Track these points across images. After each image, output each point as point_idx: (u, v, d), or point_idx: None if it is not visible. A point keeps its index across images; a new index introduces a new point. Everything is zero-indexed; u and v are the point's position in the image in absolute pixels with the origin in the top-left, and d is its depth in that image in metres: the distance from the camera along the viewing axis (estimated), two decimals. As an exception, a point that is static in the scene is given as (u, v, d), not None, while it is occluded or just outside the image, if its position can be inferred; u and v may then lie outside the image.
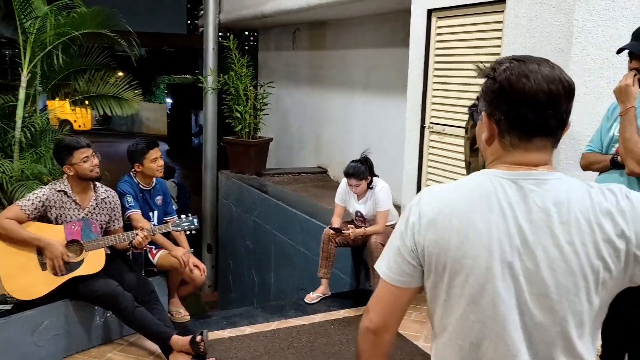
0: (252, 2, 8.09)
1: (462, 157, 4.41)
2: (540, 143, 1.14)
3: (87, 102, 6.49)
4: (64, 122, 20.49)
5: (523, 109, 1.12)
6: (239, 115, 7.32)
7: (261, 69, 10.11)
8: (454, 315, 1.16)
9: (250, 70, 7.52)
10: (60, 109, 6.71)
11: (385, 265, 1.23)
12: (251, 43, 22.40)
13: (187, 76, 26.72)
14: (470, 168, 3.59)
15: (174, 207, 8.72)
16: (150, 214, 3.97)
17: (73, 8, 5.80)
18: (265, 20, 8.25)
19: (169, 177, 8.37)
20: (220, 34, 8.80)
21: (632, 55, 2.54)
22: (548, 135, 1.14)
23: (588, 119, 3.32)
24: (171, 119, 21.89)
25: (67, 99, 6.45)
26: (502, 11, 3.87)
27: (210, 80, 8.12)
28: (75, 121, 22.45)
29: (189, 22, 38.10)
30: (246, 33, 21.57)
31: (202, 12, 9.37)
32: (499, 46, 3.91)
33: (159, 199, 4.04)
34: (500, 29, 3.90)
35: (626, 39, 3.19)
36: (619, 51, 2.59)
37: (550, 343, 1.10)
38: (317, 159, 8.34)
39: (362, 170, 4.22)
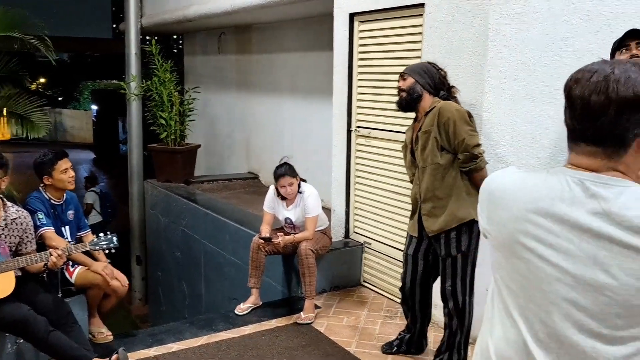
0: (175, 6, 7.86)
1: (390, 160, 4.41)
2: (587, 149, 1.13)
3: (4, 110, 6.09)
4: (-21, 133, 19.37)
5: (567, 112, 1.16)
6: (163, 122, 7.07)
7: (188, 74, 9.86)
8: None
9: (175, 76, 7.28)
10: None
11: None
12: (180, 47, 21.88)
13: (113, 81, 25.81)
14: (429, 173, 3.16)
15: (99, 218, 8.37)
16: (63, 229, 3.73)
17: None
18: (189, 24, 8.04)
19: (90, 186, 7.99)
20: (148, 38, 8.49)
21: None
22: (594, 143, 1.12)
23: (505, 119, 3.40)
24: (97, 126, 21.10)
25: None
26: (422, 15, 3.91)
27: (133, 86, 7.82)
28: (-8, 131, 21.23)
29: (114, 26, 36.83)
30: (175, 37, 21.06)
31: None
32: (420, 49, 3.95)
33: (70, 213, 3.81)
34: (420, 33, 3.94)
35: (538, 42, 3.29)
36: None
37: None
38: (248, 164, 8.22)
39: (292, 169, 4.19)
